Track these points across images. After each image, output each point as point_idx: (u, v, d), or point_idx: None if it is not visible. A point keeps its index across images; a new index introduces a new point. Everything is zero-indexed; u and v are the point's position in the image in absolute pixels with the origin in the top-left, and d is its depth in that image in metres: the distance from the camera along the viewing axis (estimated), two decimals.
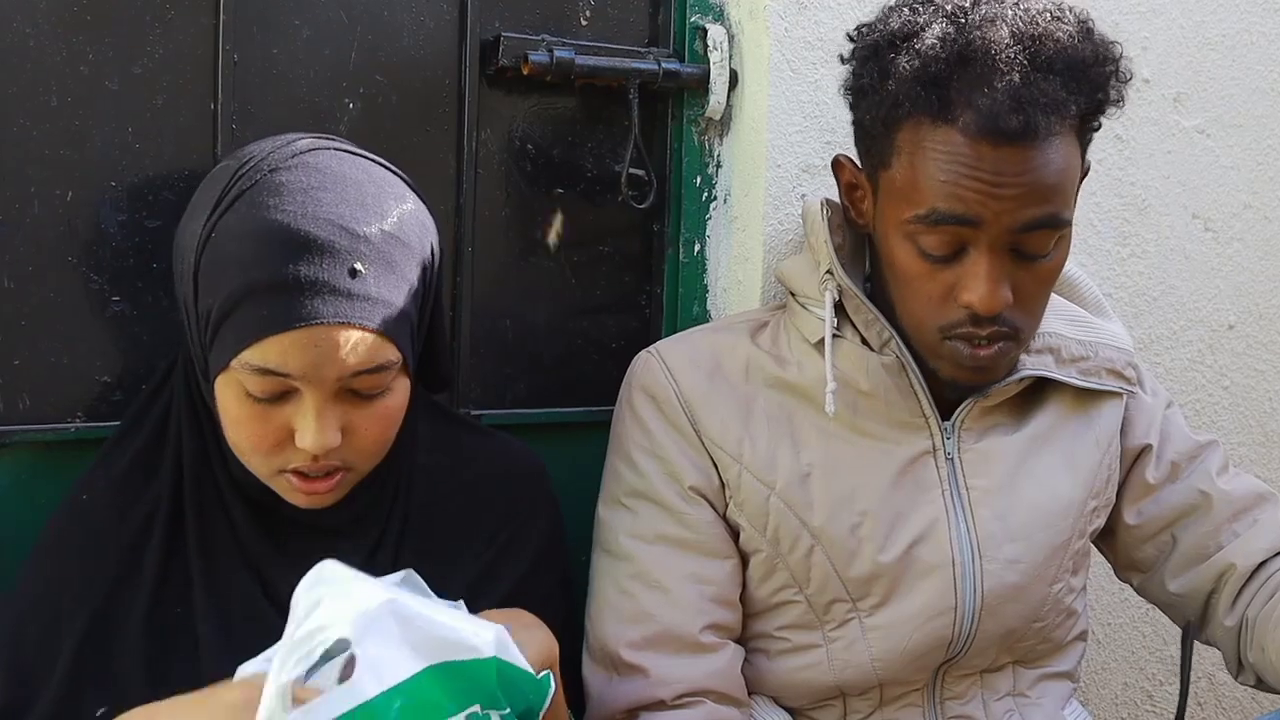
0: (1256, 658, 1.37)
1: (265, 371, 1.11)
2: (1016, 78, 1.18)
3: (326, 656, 0.97)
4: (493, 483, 1.35)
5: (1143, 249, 1.95)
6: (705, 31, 1.60)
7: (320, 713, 0.95)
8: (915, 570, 1.32)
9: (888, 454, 1.34)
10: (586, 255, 1.61)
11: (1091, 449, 1.40)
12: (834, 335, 1.33)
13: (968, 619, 1.33)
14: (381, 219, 1.17)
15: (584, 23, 1.57)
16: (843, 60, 1.33)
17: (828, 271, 1.35)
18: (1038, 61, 1.20)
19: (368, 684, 0.97)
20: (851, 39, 1.32)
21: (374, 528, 1.28)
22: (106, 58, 1.33)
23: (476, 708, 1.03)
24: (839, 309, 1.35)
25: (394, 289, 1.16)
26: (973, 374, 1.29)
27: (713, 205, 1.65)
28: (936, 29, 1.23)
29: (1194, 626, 1.38)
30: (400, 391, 1.21)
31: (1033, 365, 1.37)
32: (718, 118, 1.62)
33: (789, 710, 1.38)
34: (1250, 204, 2.07)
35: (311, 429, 1.13)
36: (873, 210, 1.32)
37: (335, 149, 1.21)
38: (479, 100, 1.51)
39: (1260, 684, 1.40)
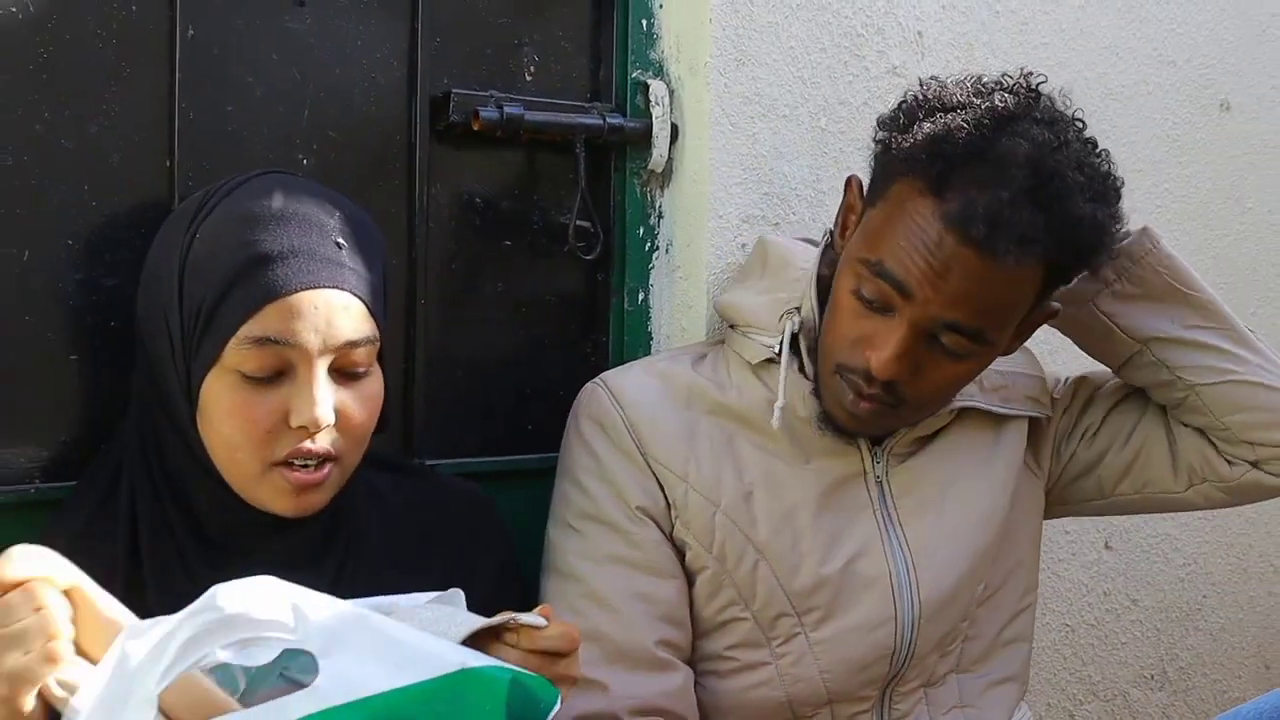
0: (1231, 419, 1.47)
1: (266, 341, 1.14)
2: (1006, 196, 1.23)
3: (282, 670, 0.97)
4: (446, 520, 1.38)
5: None
6: (647, 87, 1.65)
7: (277, 712, 0.93)
8: (855, 584, 1.40)
9: (821, 475, 1.42)
10: (535, 305, 1.64)
11: (1004, 466, 1.50)
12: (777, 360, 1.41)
13: (908, 628, 1.41)
14: (347, 207, 1.25)
15: (529, 78, 1.61)
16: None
17: (796, 307, 1.41)
18: (1034, 193, 1.24)
19: (331, 692, 0.95)
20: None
21: (331, 568, 1.29)
22: (62, 116, 1.33)
23: None
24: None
25: (370, 267, 1.23)
26: (848, 419, 1.37)
27: (655, 255, 1.70)
28: (973, 115, 1.28)
29: None
30: (377, 378, 1.25)
31: (962, 398, 1.46)
32: (660, 170, 1.67)
33: None
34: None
35: (310, 401, 1.15)
36: (848, 240, 1.39)
37: (291, 173, 1.31)
38: (429, 155, 1.53)
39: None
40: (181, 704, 0.95)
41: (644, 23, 1.66)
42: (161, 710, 0.94)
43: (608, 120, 1.61)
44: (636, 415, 1.42)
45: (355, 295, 1.19)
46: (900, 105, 1.36)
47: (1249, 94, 2.34)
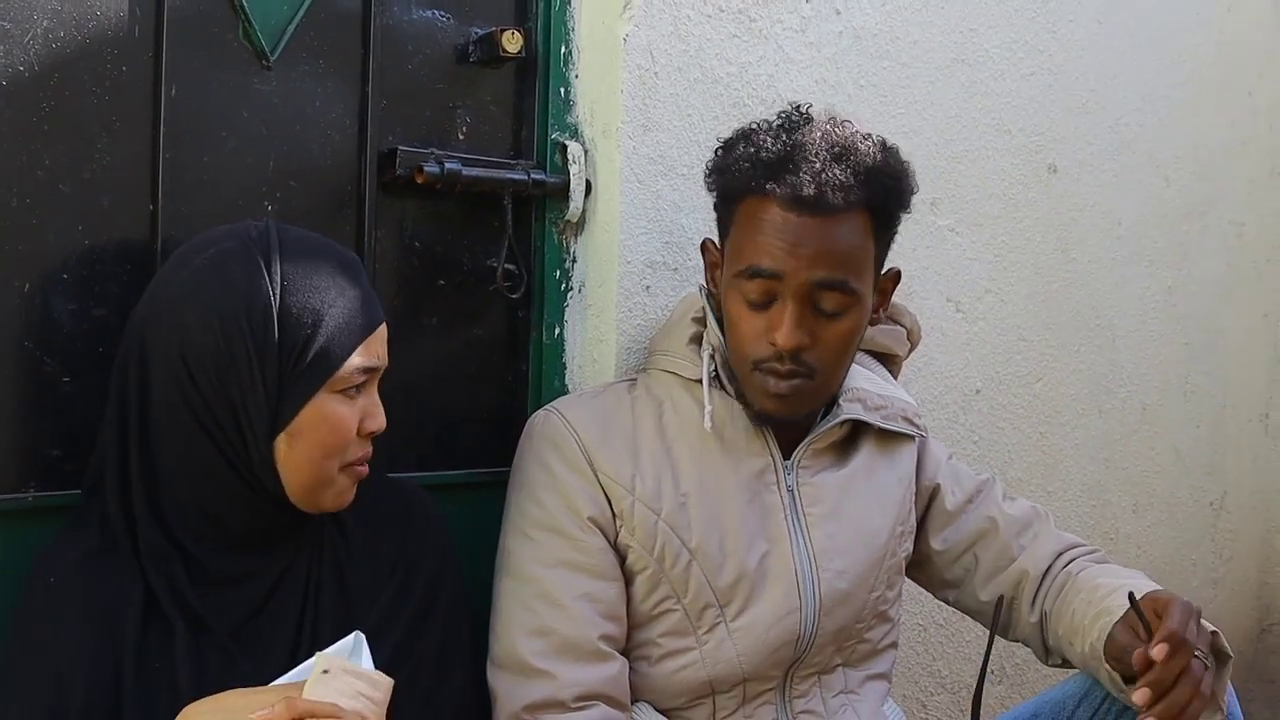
0: (1054, 641, 1.73)
1: (368, 370, 1.41)
2: (818, 165, 1.53)
3: None
4: (392, 517, 1.55)
5: None
6: (565, 147, 1.87)
7: None
8: (767, 579, 1.63)
9: (743, 484, 1.65)
10: (464, 337, 1.84)
11: (895, 484, 1.75)
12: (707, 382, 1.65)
13: (810, 618, 1.64)
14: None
15: (461, 138, 1.82)
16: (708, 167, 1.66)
17: (712, 355, 1.65)
18: (835, 155, 1.54)
19: None
20: (718, 143, 1.66)
21: (300, 579, 1.45)
22: (60, 163, 1.49)
23: None
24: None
25: None
26: (775, 402, 1.60)
27: (570, 295, 1.92)
28: (773, 131, 1.59)
29: (1001, 602, 1.70)
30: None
31: (848, 411, 1.70)
32: (575, 220, 1.89)
33: (664, 713, 1.64)
34: (990, 289, 2.49)
35: (378, 410, 1.44)
36: (721, 277, 1.64)
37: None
38: (377, 204, 1.73)
39: (1065, 663, 1.74)
40: None
41: (562, 91, 1.89)
42: None
43: (531, 176, 1.83)
44: (588, 437, 1.62)
45: (385, 324, 1.46)
46: (715, 152, 1.64)
47: (1073, 159, 2.66)
